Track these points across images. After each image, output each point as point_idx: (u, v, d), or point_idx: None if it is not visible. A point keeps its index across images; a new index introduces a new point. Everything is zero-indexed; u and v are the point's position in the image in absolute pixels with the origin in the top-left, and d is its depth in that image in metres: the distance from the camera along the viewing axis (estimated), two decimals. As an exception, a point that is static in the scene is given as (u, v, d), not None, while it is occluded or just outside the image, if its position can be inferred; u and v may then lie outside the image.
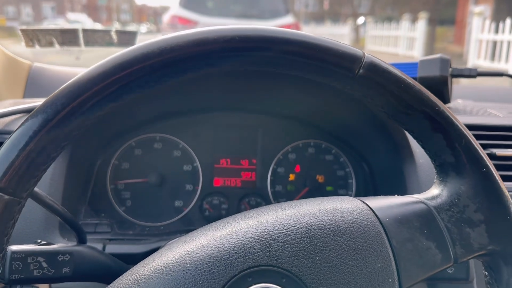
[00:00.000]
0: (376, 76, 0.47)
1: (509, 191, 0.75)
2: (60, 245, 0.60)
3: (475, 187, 0.49)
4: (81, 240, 0.65)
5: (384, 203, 0.49)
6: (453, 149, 0.49)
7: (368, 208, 0.47)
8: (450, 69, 0.94)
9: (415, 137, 0.51)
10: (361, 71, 0.46)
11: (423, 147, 0.51)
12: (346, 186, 1.02)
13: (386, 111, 0.50)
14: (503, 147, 0.88)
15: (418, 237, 0.46)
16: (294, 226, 0.44)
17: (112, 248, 0.75)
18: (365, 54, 0.47)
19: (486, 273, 0.51)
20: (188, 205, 0.97)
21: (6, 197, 0.40)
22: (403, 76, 0.48)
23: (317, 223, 0.44)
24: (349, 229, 0.45)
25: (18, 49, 1.26)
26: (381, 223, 0.46)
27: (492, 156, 0.85)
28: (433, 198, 0.50)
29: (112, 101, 0.44)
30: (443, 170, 0.51)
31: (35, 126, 0.41)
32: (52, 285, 0.73)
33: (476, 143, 0.49)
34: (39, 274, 0.57)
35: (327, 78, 0.48)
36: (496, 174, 0.49)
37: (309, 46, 0.45)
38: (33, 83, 1.24)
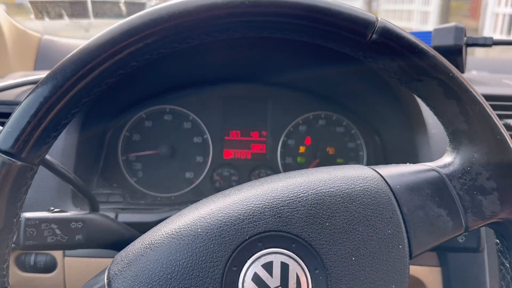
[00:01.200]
0: (389, 42, 0.46)
1: None
2: (73, 212, 0.61)
3: (488, 155, 0.48)
4: (94, 209, 0.65)
5: (395, 171, 0.48)
6: (467, 116, 0.48)
7: (379, 175, 0.47)
8: (465, 38, 0.91)
9: (428, 105, 0.50)
10: (374, 36, 0.45)
11: (436, 114, 0.50)
12: (357, 158, 1.02)
13: (399, 77, 0.49)
14: None
15: (429, 204, 0.46)
16: (304, 192, 0.44)
17: (124, 217, 0.76)
18: (378, 18, 0.46)
19: (498, 241, 0.50)
20: (199, 176, 0.98)
21: (19, 163, 0.41)
22: (417, 42, 0.47)
23: (327, 190, 0.44)
24: (360, 196, 0.45)
25: (28, 24, 1.26)
26: (392, 190, 0.46)
27: (507, 127, 0.83)
28: (445, 166, 0.49)
29: (121, 68, 0.43)
30: (456, 138, 0.50)
31: (46, 93, 0.41)
32: (66, 251, 0.75)
33: (491, 110, 0.48)
34: (52, 241, 0.58)
35: (338, 44, 0.47)
36: (510, 141, 0.48)
37: (320, 10, 0.44)
38: (43, 55, 1.24)
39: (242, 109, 1.02)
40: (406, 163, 0.52)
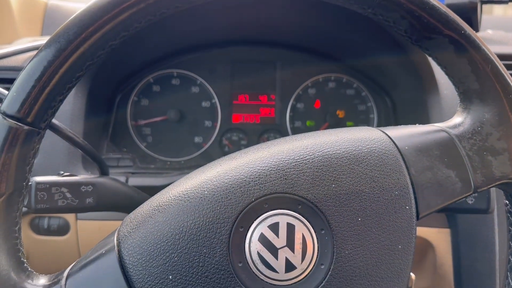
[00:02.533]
0: None
1: None
2: (83, 176, 0.62)
3: (500, 115, 0.47)
4: (104, 172, 0.66)
5: (404, 132, 0.48)
6: (478, 75, 0.47)
7: (387, 137, 0.47)
8: (479, -5, 0.89)
9: (438, 63, 0.49)
10: None
11: (446, 73, 0.49)
12: (367, 121, 1.01)
13: (410, 36, 0.48)
14: None
15: (437, 165, 0.46)
16: (310, 155, 0.44)
17: (134, 181, 0.77)
18: None
19: (507, 202, 0.50)
20: (208, 141, 0.99)
21: (26, 127, 0.41)
22: None
23: (334, 152, 0.44)
24: (367, 158, 0.44)
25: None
26: (399, 151, 0.45)
27: None
28: (455, 126, 0.48)
29: (124, 30, 0.43)
30: (467, 97, 0.49)
31: (49, 56, 0.42)
32: (78, 214, 0.77)
33: (503, 69, 0.47)
34: (63, 204, 0.59)
35: (347, 1, 0.46)
36: None
37: None
38: (50, 20, 1.24)
39: (251, 73, 1.01)
40: (416, 124, 0.52)
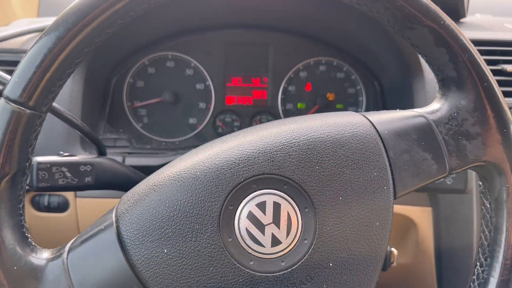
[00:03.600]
0: None
1: None
2: (81, 156, 0.64)
3: (475, 101, 0.49)
4: (101, 153, 0.69)
5: (385, 117, 0.50)
6: (456, 64, 0.49)
7: (368, 121, 0.49)
8: (467, -19, 0.90)
9: (419, 52, 0.51)
10: None
11: (427, 61, 0.51)
12: (356, 104, 1.03)
13: (392, 25, 0.50)
14: None
15: (415, 148, 0.48)
16: (296, 138, 0.46)
17: (131, 161, 0.79)
18: None
19: (480, 183, 0.53)
20: (202, 122, 1.01)
21: (28, 111, 0.43)
22: None
23: (318, 135, 0.47)
24: (348, 141, 0.47)
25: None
26: (379, 135, 0.48)
27: (502, 72, 0.84)
28: (433, 112, 0.51)
29: (120, 18, 0.45)
30: (445, 85, 0.51)
31: (49, 44, 0.43)
32: (77, 193, 0.79)
33: (480, 58, 0.49)
34: (63, 183, 0.61)
35: None
36: (497, 88, 0.50)
37: None
38: (46, 1, 1.24)
39: (243, 55, 1.02)
40: (403, 107, 0.54)
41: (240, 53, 1.02)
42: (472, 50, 0.49)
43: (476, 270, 0.52)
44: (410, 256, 0.88)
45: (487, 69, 0.50)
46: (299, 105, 1.03)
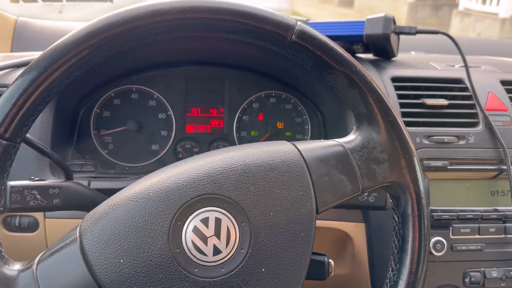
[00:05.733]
0: (305, 42, 0.55)
1: (444, 135, 0.87)
2: (50, 181, 0.69)
3: (382, 133, 0.58)
4: (68, 177, 0.74)
5: (310, 146, 0.58)
6: (366, 102, 0.57)
7: (296, 149, 0.57)
8: (393, 27, 1.01)
9: (337, 93, 0.60)
10: (293, 37, 0.54)
11: (343, 100, 0.60)
12: (303, 132, 1.12)
13: (315, 71, 0.58)
14: (435, 97, 0.97)
15: (333, 172, 0.56)
16: (235, 164, 0.53)
17: (95, 184, 0.84)
18: (297, 22, 0.54)
19: (391, 201, 0.61)
20: (164, 148, 1.06)
21: (4, 142, 0.49)
22: (328, 42, 0.56)
23: (253, 161, 0.54)
24: (278, 166, 0.54)
25: (3, 7, 1.29)
26: (305, 161, 0.56)
27: (423, 105, 0.94)
28: (349, 142, 0.59)
29: (85, 64, 0.51)
30: (359, 119, 0.60)
31: (24, 85, 0.49)
32: (46, 213, 0.83)
33: (386, 97, 0.58)
34: (34, 204, 0.66)
35: (266, 43, 0.56)
36: (401, 121, 0.59)
37: (249, 15, 0.53)
38: (20, 36, 1.27)
39: (202, 89, 1.09)
40: (340, 134, 0.62)
41: (199, 86, 1.09)
42: (379, 91, 0.58)
43: (388, 274, 0.60)
44: (347, 267, 0.95)
45: (392, 106, 0.58)
46: (252, 132, 1.11)
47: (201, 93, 1.09)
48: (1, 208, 0.59)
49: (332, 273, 0.77)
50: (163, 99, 1.06)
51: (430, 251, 0.87)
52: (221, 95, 1.10)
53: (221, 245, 0.50)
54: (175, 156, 1.06)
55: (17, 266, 0.51)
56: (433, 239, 0.87)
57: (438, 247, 0.87)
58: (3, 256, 0.51)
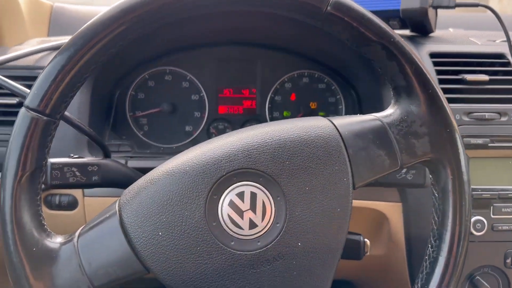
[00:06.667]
0: (341, 13, 0.53)
1: (485, 111, 0.84)
2: (89, 158, 0.71)
3: (422, 106, 0.56)
4: (107, 156, 0.75)
5: (346, 121, 0.57)
6: (405, 74, 0.55)
7: (332, 124, 0.56)
8: (431, 0, 0.97)
9: (375, 65, 0.58)
10: (328, 8, 0.52)
11: (381, 73, 0.58)
12: (336, 112, 1.10)
13: (351, 43, 0.56)
14: (475, 72, 0.93)
15: (371, 146, 0.55)
16: (270, 138, 0.53)
17: (132, 163, 0.85)
18: None
19: (430, 176, 0.60)
20: (197, 129, 1.07)
21: (44, 118, 0.50)
22: (365, 12, 0.54)
23: (288, 136, 0.53)
24: (314, 141, 0.53)
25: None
26: (341, 136, 0.54)
27: (463, 81, 0.91)
28: (387, 116, 0.57)
29: (121, 40, 0.51)
30: (397, 92, 0.58)
31: (62, 61, 0.50)
32: (85, 192, 0.85)
33: (425, 68, 0.56)
34: (73, 181, 0.68)
35: (300, 15, 0.54)
36: (441, 94, 0.56)
37: None
38: (55, 22, 1.31)
39: (234, 69, 1.09)
40: (376, 112, 0.61)
41: (231, 67, 1.08)
42: (418, 62, 0.55)
43: (427, 250, 0.58)
44: (383, 247, 0.94)
45: (432, 78, 0.56)
46: (285, 113, 1.10)
47: (233, 74, 1.09)
48: (43, 186, 0.61)
49: (368, 253, 0.76)
50: (196, 80, 1.07)
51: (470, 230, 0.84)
52: (253, 76, 1.09)
53: (257, 219, 0.50)
54: (208, 137, 1.07)
55: (59, 239, 0.52)
56: (473, 219, 0.84)
57: (478, 226, 0.84)
58: (46, 229, 0.52)
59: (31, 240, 0.50)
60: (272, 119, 1.09)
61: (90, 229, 0.52)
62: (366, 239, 0.77)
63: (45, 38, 1.11)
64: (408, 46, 0.55)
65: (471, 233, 0.84)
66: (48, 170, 0.66)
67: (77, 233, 0.52)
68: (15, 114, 0.50)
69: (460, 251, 0.55)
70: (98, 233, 0.51)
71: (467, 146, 0.85)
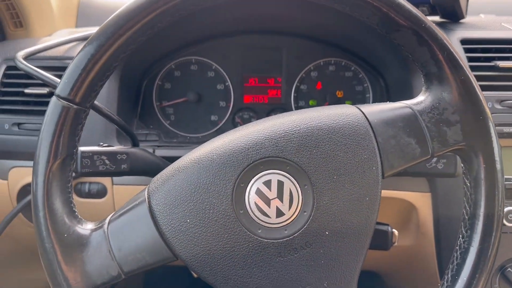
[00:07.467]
0: None
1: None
2: (118, 147, 0.72)
3: (454, 93, 0.54)
4: (135, 144, 0.76)
5: (375, 108, 0.55)
6: (436, 61, 0.53)
7: (361, 112, 0.54)
8: (462, -14, 0.94)
9: (405, 51, 0.56)
10: None
11: (412, 59, 0.56)
12: (364, 100, 1.08)
13: (381, 28, 0.55)
14: (508, 59, 0.90)
15: (401, 134, 0.53)
16: (297, 127, 0.52)
17: (160, 152, 0.86)
18: None
19: (462, 165, 0.58)
20: (222, 119, 1.07)
21: (75, 106, 0.51)
22: None
23: (316, 124, 0.52)
24: (342, 129, 0.52)
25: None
26: (370, 123, 0.53)
27: (495, 68, 0.87)
28: (418, 103, 0.56)
29: (149, 29, 0.51)
30: (428, 79, 0.56)
31: (92, 51, 0.50)
32: (114, 180, 0.87)
33: (458, 54, 0.54)
34: (103, 169, 0.69)
35: (328, 1, 0.53)
36: (474, 81, 0.54)
37: None
38: (83, 14, 1.33)
39: (259, 58, 1.08)
40: (405, 100, 0.59)
41: (256, 56, 1.08)
42: (450, 48, 0.53)
43: (458, 241, 0.57)
44: (412, 238, 0.92)
45: (464, 64, 0.54)
46: (310, 102, 1.09)
47: (258, 62, 1.09)
48: (74, 174, 0.62)
49: (396, 244, 0.75)
50: (221, 70, 1.07)
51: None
52: (279, 65, 1.08)
53: (284, 207, 0.50)
54: (234, 126, 1.07)
55: (89, 226, 0.53)
56: (506, 209, 0.82)
57: (511, 217, 0.82)
58: (77, 216, 0.53)
59: (63, 227, 0.51)
60: (298, 108, 1.08)
61: (120, 216, 0.53)
62: (394, 230, 0.75)
63: (73, 29, 1.13)
64: (440, 32, 0.54)
65: (504, 224, 0.82)
66: (79, 158, 0.67)
67: (107, 220, 0.53)
68: (46, 104, 0.51)
69: (492, 241, 0.54)
70: (128, 220, 0.52)
71: (500, 135, 0.83)
